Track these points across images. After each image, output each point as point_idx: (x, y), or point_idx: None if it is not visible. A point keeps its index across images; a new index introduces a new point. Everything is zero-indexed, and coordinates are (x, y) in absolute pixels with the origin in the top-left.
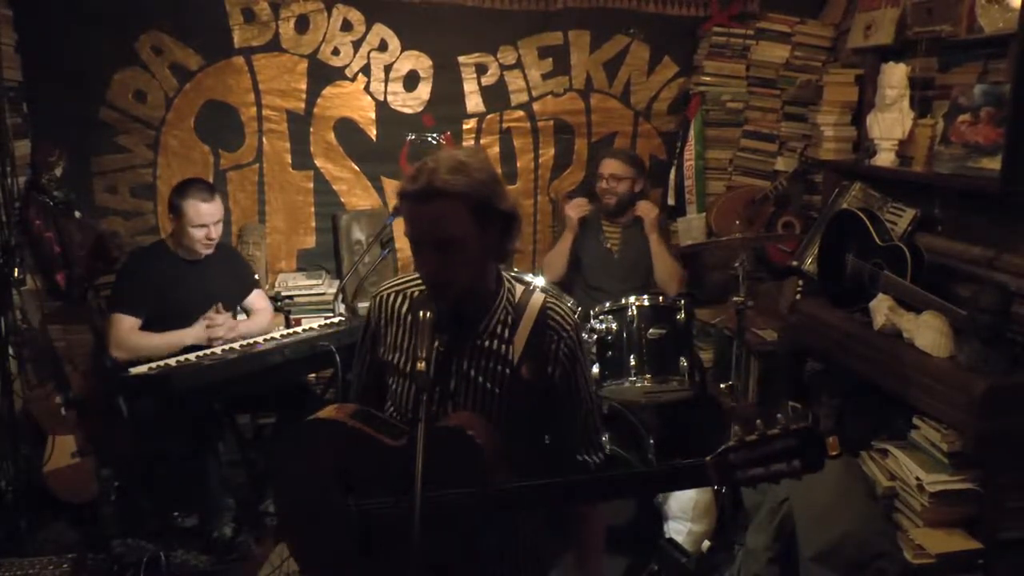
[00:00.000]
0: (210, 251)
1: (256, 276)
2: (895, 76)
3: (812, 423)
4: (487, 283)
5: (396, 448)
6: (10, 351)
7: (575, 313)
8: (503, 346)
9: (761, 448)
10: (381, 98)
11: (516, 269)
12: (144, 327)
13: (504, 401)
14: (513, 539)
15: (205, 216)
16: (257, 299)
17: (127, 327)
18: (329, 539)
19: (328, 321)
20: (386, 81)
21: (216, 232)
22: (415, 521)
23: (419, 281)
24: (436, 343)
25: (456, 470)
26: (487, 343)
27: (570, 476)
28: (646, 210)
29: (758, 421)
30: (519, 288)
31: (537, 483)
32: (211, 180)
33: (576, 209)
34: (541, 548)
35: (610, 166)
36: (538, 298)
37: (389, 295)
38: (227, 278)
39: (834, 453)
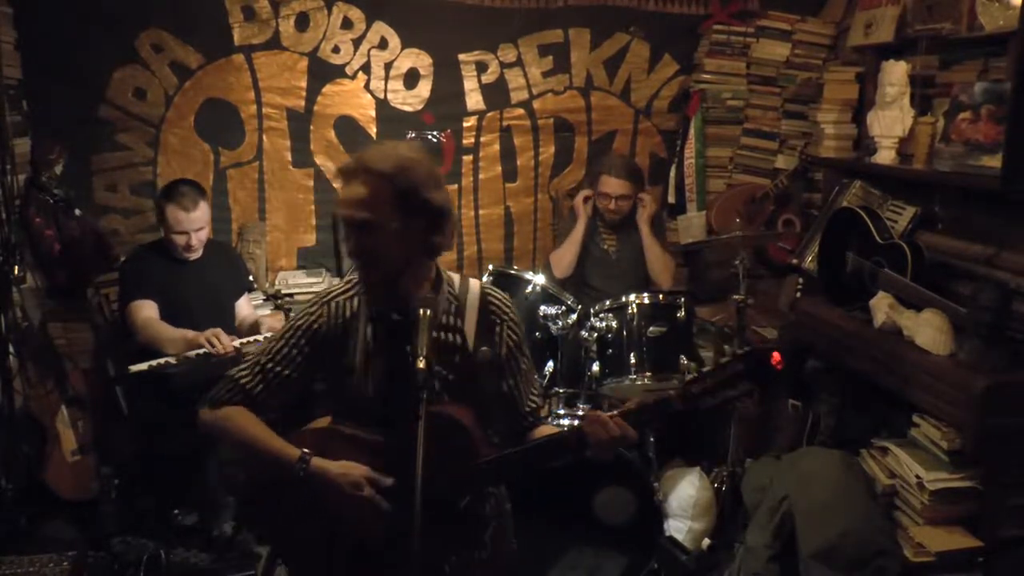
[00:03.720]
0: (195, 255)
1: (251, 277)
2: (895, 74)
3: (756, 349)
4: (425, 276)
5: (375, 441)
6: (10, 349)
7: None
8: (454, 335)
9: (716, 376)
10: (381, 96)
11: (516, 268)
12: None
13: (467, 386)
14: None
15: (184, 224)
16: (244, 304)
17: (146, 313)
18: (324, 548)
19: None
20: (386, 79)
21: (198, 239)
22: (415, 517)
23: (359, 283)
24: (427, 339)
25: (447, 453)
26: (439, 335)
27: (541, 438)
28: (644, 201)
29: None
30: (456, 278)
31: (520, 449)
32: (211, 178)
33: (584, 198)
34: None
35: (614, 186)
36: (475, 285)
37: (341, 303)
38: (224, 276)
39: (779, 368)
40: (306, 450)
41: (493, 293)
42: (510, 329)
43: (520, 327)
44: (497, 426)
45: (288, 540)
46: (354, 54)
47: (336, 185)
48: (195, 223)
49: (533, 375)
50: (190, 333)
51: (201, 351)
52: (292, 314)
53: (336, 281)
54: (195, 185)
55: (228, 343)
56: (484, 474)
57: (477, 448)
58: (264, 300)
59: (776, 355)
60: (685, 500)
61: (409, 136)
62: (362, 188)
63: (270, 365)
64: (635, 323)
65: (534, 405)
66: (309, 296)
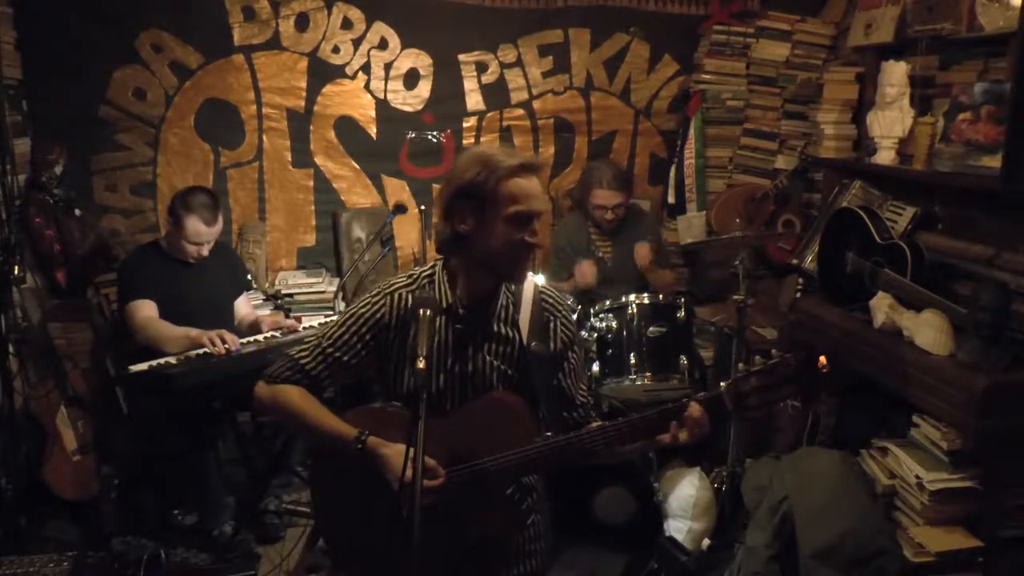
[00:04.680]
0: (197, 261)
1: (249, 277)
2: (895, 74)
3: (804, 352)
4: None
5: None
6: (10, 349)
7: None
8: (510, 329)
9: (765, 377)
10: (381, 96)
11: None
12: None
13: (520, 378)
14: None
15: (203, 236)
16: (243, 304)
17: (146, 312)
18: (371, 528)
19: (328, 319)
20: (386, 79)
21: (208, 249)
22: (416, 516)
23: (423, 278)
24: (437, 338)
25: (500, 436)
26: (496, 327)
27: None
28: (641, 256)
29: (756, 357)
30: None
31: (577, 434)
32: (211, 178)
33: (586, 277)
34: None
35: (606, 197)
36: (530, 282)
37: (404, 295)
38: (223, 276)
39: (826, 371)
40: (363, 430)
41: (547, 290)
42: (563, 325)
43: (573, 324)
44: (550, 418)
45: (336, 514)
46: (354, 54)
47: (516, 183)
48: (212, 236)
49: (583, 371)
50: (193, 331)
51: (201, 351)
52: (353, 302)
53: (335, 280)
54: (212, 195)
55: (234, 343)
56: (535, 458)
57: (527, 434)
58: (264, 300)
59: (823, 359)
60: (685, 500)
61: (408, 136)
62: (538, 182)
63: (331, 350)
64: (635, 323)
65: (583, 400)
66: (309, 296)
